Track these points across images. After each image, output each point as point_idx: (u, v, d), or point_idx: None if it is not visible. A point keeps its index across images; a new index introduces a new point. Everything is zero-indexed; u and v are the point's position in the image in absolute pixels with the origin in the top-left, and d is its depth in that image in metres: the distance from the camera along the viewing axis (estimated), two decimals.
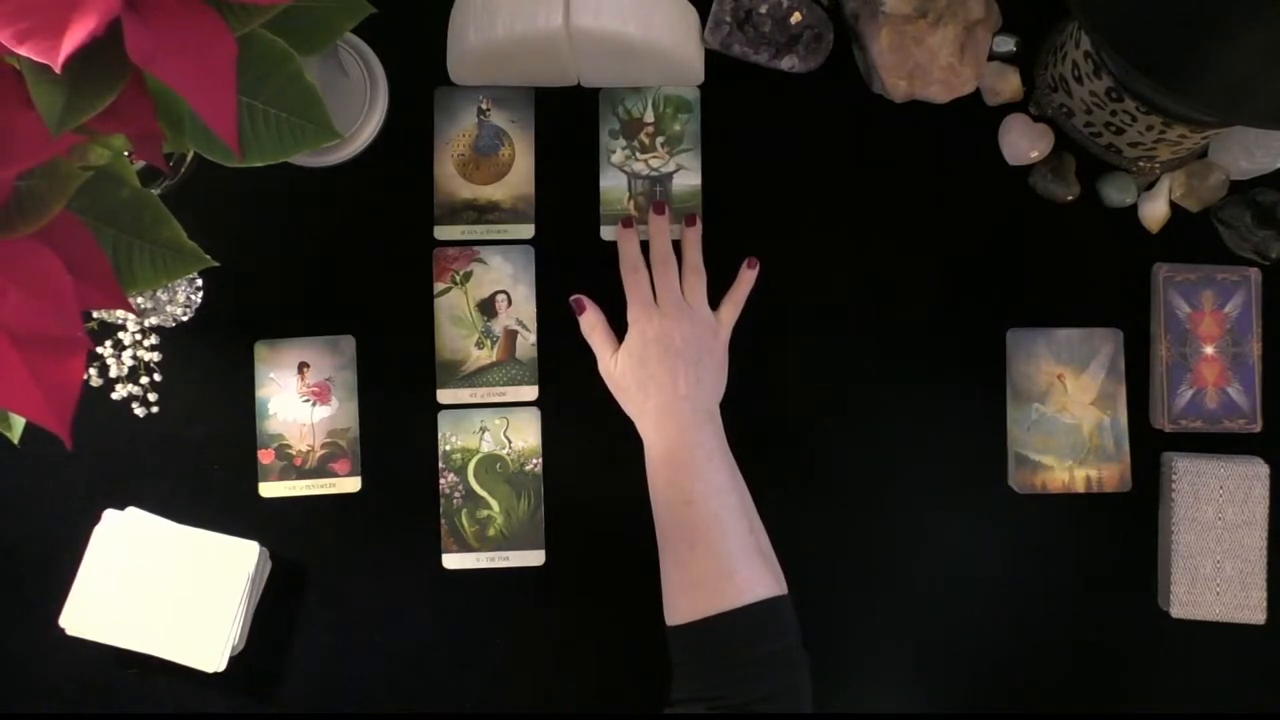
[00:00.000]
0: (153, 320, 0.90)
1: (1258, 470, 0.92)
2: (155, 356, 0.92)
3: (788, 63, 0.94)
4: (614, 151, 0.95)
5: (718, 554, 0.81)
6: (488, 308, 0.96)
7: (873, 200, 0.97)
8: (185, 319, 0.92)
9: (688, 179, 0.96)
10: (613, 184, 0.95)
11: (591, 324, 0.93)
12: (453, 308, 0.96)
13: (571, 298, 0.93)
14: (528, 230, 0.96)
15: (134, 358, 0.92)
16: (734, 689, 0.77)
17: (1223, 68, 0.75)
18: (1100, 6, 0.76)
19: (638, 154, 0.95)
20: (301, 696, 0.94)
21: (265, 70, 0.64)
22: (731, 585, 0.80)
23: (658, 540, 0.86)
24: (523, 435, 0.95)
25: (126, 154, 0.67)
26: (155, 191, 0.82)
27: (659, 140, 0.95)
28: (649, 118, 0.95)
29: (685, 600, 0.82)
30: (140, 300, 0.89)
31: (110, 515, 0.92)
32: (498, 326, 0.96)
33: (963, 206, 0.96)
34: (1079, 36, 0.87)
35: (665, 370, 0.88)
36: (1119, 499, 0.95)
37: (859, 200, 0.97)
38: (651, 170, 0.95)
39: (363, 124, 0.92)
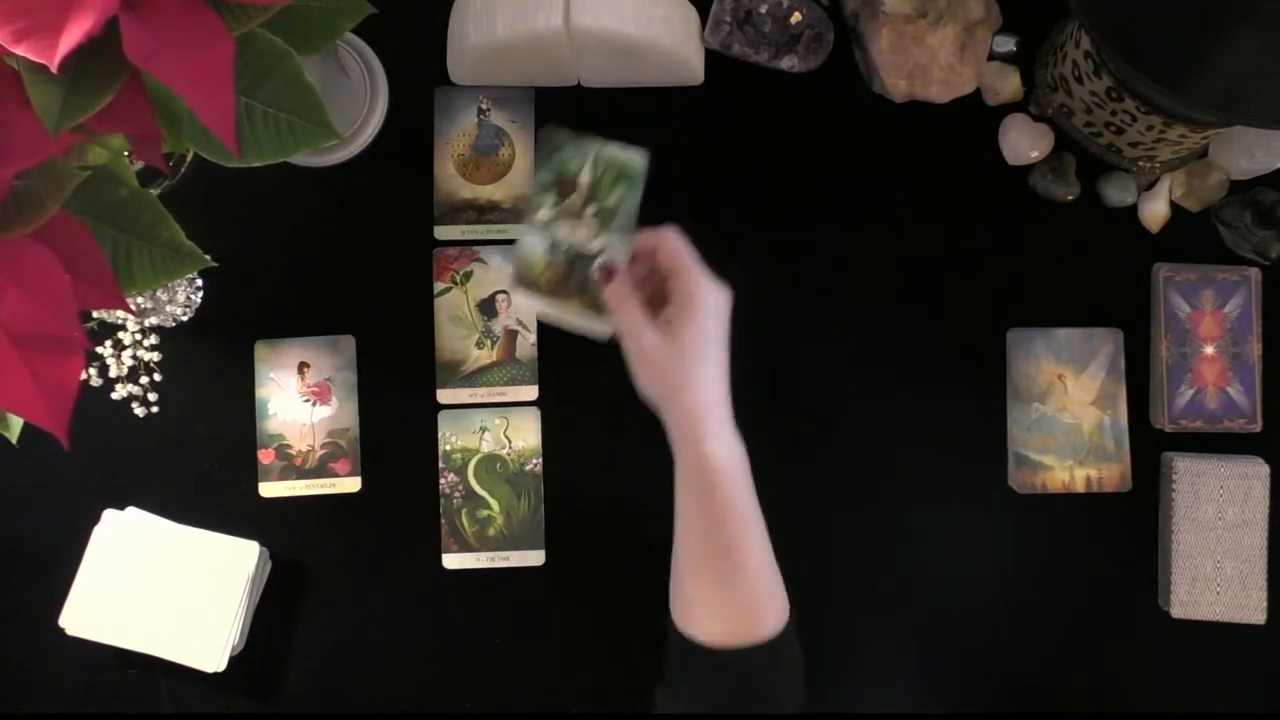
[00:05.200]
0: (152, 320, 0.90)
1: (1258, 470, 0.92)
2: (155, 356, 0.92)
3: (788, 63, 0.94)
4: (541, 206, 0.78)
5: (767, 573, 0.76)
6: (488, 308, 0.96)
7: (872, 200, 0.96)
8: (185, 319, 0.92)
9: (613, 259, 0.78)
10: (533, 243, 0.77)
11: (623, 295, 0.75)
12: (453, 308, 0.96)
13: (598, 264, 0.77)
14: None
15: (134, 358, 0.92)
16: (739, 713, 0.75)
17: (1223, 68, 0.75)
18: (1100, 6, 0.76)
19: (565, 218, 0.78)
20: (301, 696, 0.94)
21: (264, 70, 0.64)
22: (771, 612, 0.76)
23: (696, 554, 0.76)
24: (523, 435, 0.95)
25: (125, 154, 0.67)
26: (154, 191, 0.82)
27: (590, 210, 0.78)
28: (585, 177, 0.78)
29: (721, 623, 0.75)
30: (140, 300, 0.89)
31: (110, 515, 0.92)
32: (498, 326, 0.96)
33: (963, 206, 0.96)
34: (1079, 36, 0.87)
35: (725, 354, 0.76)
36: (1119, 499, 0.95)
37: (859, 200, 0.96)
38: (575, 242, 0.77)
39: (363, 124, 0.92)
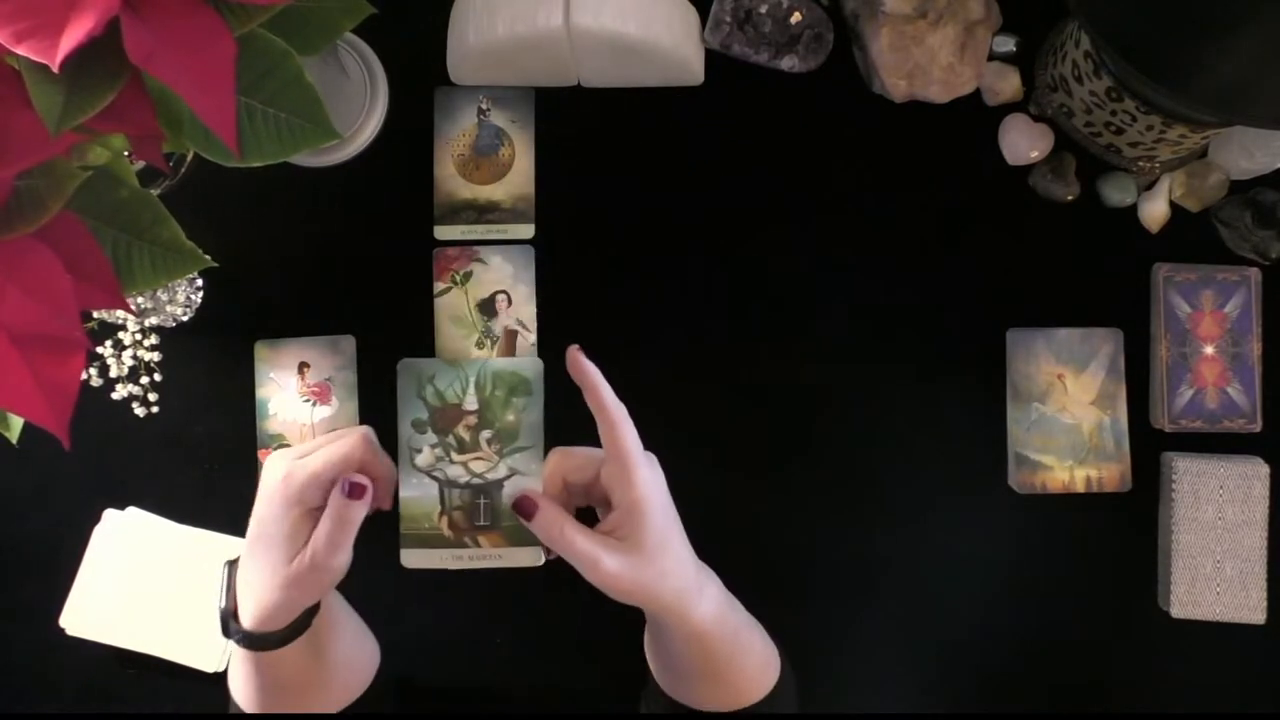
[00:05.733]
0: (153, 320, 0.90)
1: (1258, 470, 0.92)
2: (155, 356, 0.92)
3: (788, 63, 0.94)
4: (419, 450, 0.69)
5: (760, 653, 0.76)
6: (488, 308, 0.96)
7: (872, 200, 0.96)
8: (185, 319, 0.92)
9: (524, 487, 0.71)
10: (417, 494, 0.70)
11: (557, 525, 0.67)
12: (453, 308, 0.96)
13: (517, 500, 0.69)
14: (528, 230, 0.96)
15: (134, 358, 0.92)
16: None
17: (1223, 68, 0.75)
18: (1100, 6, 0.76)
19: (454, 454, 0.70)
20: None
21: (265, 70, 0.65)
22: (767, 678, 0.76)
23: (688, 678, 0.75)
24: None
25: (126, 154, 0.67)
26: (155, 191, 0.82)
27: (484, 435, 0.70)
28: (470, 404, 0.70)
29: (716, 702, 0.75)
30: (140, 300, 0.89)
31: (110, 515, 0.92)
32: (498, 326, 0.96)
33: (963, 206, 0.96)
34: (1079, 36, 0.87)
35: (675, 514, 0.71)
36: (1119, 499, 0.95)
37: (858, 200, 0.96)
38: (474, 476, 0.70)
39: (363, 124, 0.92)
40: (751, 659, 0.75)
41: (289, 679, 0.71)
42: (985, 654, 0.95)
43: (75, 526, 0.92)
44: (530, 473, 0.70)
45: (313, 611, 0.70)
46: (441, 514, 0.70)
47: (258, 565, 0.67)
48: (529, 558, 0.71)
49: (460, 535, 0.70)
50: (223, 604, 0.70)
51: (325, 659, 0.73)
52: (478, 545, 0.71)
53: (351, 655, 0.77)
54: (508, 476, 0.70)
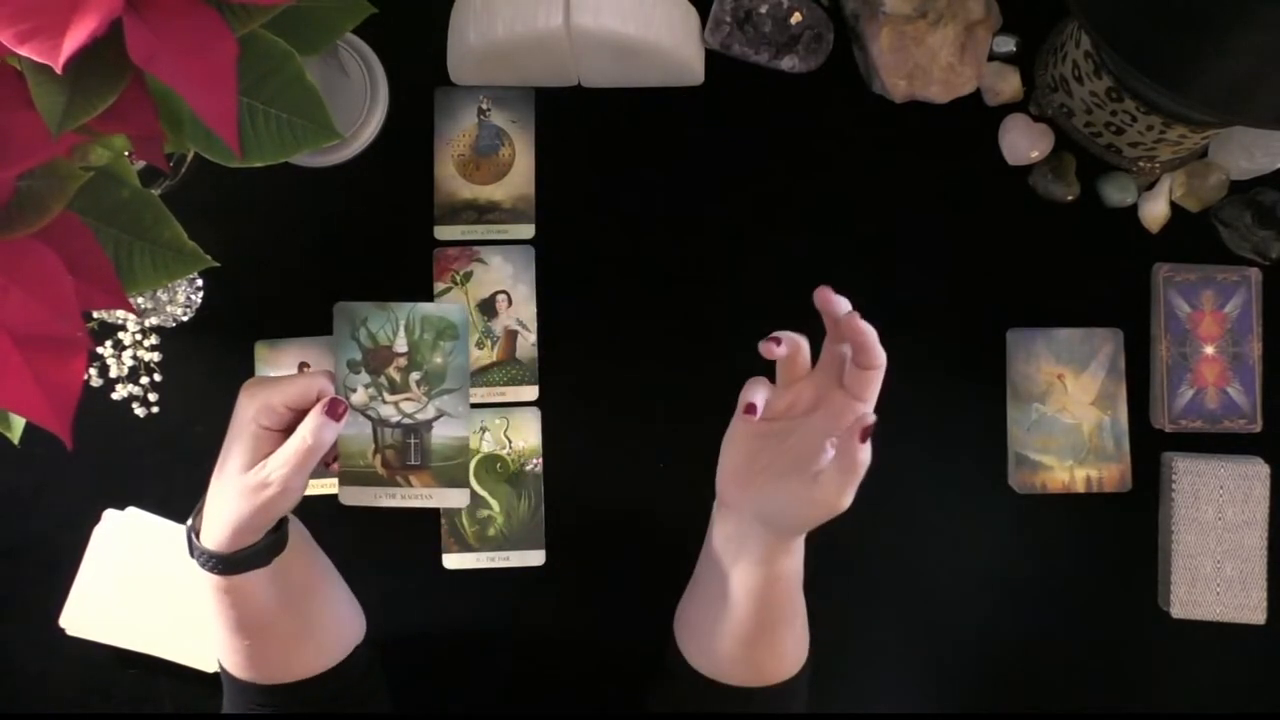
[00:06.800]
0: (153, 320, 0.90)
1: (1258, 470, 0.92)
2: (155, 356, 0.92)
3: (788, 63, 0.94)
4: (354, 390, 0.72)
5: (801, 629, 0.78)
6: (488, 308, 0.96)
7: (872, 201, 0.97)
8: (185, 319, 0.92)
9: (452, 429, 0.74)
10: (353, 432, 0.73)
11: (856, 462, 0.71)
12: None
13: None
14: (528, 230, 0.96)
15: (134, 358, 0.92)
16: None
17: (1222, 68, 0.75)
18: (1100, 6, 0.76)
19: (385, 394, 0.73)
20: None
21: (266, 70, 0.65)
22: (798, 657, 0.78)
23: (738, 633, 0.75)
24: (523, 435, 0.95)
25: (127, 154, 0.67)
26: (156, 191, 0.82)
27: (413, 377, 0.73)
28: (400, 345, 0.73)
29: (744, 673, 0.76)
30: (140, 300, 0.89)
31: (110, 515, 0.92)
32: (498, 326, 0.96)
33: (963, 206, 0.96)
34: (1079, 36, 0.87)
35: None
36: (1119, 499, 0.95)
37: (858, 200, 0.97)
38: (404, 416, 0.73)
39: (363, 124, 0.92)
40: (793, 632, 0.77)
41: (253, 619, 0.73)
42: (985, 654, 0.95)
43: (75, 526, 0.92)
44: (458, 414, 0.73)
45: (274, 549, 0.72)
46: (375, 452, 0.73)
47: (218, 479, 0.71)
48: (457, 499, 0.74)
49: (393, 474, 0.74)
50: (190, 522, 0.73)
51: (295, 608, 0.75)
52: (409, 484, 0.74)
53: (323, 612, 0.78)
54: (436, 418, 0.73)
